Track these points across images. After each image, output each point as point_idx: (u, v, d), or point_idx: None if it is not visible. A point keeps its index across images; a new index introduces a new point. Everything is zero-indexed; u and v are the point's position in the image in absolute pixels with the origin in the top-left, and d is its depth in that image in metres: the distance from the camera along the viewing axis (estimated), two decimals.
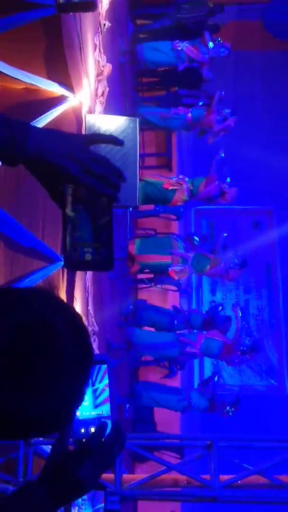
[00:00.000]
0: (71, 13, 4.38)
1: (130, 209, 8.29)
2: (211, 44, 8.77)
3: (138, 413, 8.24)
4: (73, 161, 1.19)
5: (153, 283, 9.02)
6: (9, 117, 1.18)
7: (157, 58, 8.90)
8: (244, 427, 8.52)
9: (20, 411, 0.97)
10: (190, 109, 8.68)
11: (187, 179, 8.02)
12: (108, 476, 4.71)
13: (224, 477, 4.85)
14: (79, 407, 1.13)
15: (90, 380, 1.39)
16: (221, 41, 8.90)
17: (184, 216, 8.89)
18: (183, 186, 7.95)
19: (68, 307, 1.07)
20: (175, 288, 9.19)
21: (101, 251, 1.25)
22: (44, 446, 4.89)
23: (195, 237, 8.07)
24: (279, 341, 10.41)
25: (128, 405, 7.91)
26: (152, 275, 8.85)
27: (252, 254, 10.39)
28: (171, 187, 7.97)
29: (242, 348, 7.45)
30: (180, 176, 8.11)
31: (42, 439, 4.70)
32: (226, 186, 8.02)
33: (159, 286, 9.14)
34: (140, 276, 9.05)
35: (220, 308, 8.13)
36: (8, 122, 1.17)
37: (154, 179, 8.06)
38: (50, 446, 1.24)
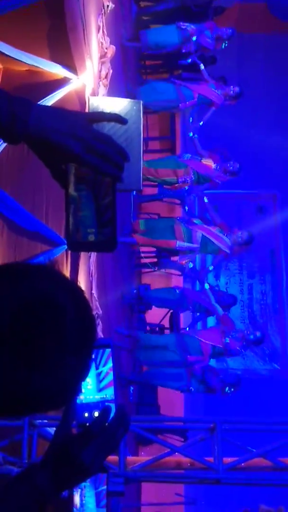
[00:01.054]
0: None
1: (134, 192, 8.30)
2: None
3: (142, 396, 8.28)
4: (76, 139, 1.17)
5: (156, 267, 9.01)
6: (10, 94, 1.16)
7: (162, 39, 8.80)
8: (248, 410, 8.57)
9: (25, 384, 0.97)
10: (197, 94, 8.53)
11: (193, 177, 8.00)
12: (112, 458, 4.74)
13: (228, 460, 4.88)
14: (84, 382, 1.13)
15: (94, 363, 1.38)
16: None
17: (188, 200, 8.85)
18: (187, 186, 8.06)
19: (71, 282, 1.06)
20: (179, 273, 9.18)
21: (104, 232, 1.23)
22: (48, 428, 4.92)
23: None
24: (283, 326, 10.41)
25: (132, 388, 7.94)
26: (155, 259, 8.84)
27: (256, 238, 10.37)
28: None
29: (244, 343, 7.35)
30: (187, 180, 8.05)
31: (46, 421, 4.73)
32: (231, 167, 8.00)
33: (162, 270, 9.13)
34: (144, 260, 9.05)
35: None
36: (9, 99, 1.15)
37: (160, 176, 8.04)
38: (54, 428, 1.24)
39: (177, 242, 7.70)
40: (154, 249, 8.54)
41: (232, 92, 8.38)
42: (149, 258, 8.95)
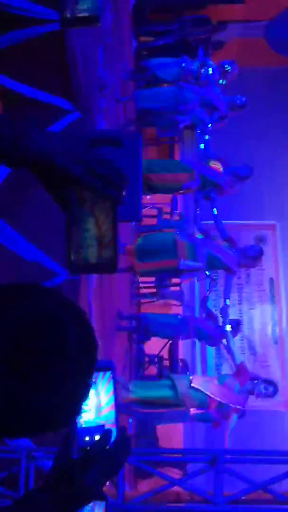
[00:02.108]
0: (76, 28, 4.41)
1: (133, 223, 8.32)
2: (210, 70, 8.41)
3: (140, 428, 8.19)
4: (77, 162, 1.19)
5: (156, 298, 9.00)
6: (12, 119, 1.19)
7: (164, 72, 8.58)
8: (248, 443, 8.46)
9: (26, 404, 0.97)
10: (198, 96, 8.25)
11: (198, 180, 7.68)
12: (110, 491, 4.68)
13: (228, 493, 4.81)
14: (85, 403, 1.13)
15: (94, 386, 1.37)
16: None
17: (187, 221, 8.77)
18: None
19: (72, 303, 1.07)
20: (178, 303, 9.17)
21: (105, 254, 1.24)
22: (46, 461, 4.85)
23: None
24: (283, 357, 10.36)
25: (130, 420, 7.85)
26: (154, 290, 8.82)
27: (255, 269, 10.38)
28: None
29: (256, 396, 6.93)
30: (193, 184, 7.63)
31: (44, 453, 4.67)
32: (241, 171, 7.79)
33: (162, 300, 9.12)
34: (143, 291, 9.03)
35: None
36: (11, 124, 1.17)
37: (160, 181, 7.53)
38: (52, 461, 1.23)
39: (180, 260, 7.08)
40: (153, 279, 8.50)
41: (238, 101, 8.26)
42: (148, 289, 8.95)
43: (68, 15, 2.63)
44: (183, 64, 8.44)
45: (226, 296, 7.51)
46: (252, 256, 7.30)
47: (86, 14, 2.59)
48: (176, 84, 8.30)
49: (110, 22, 6.95)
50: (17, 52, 4.88)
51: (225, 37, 10.37)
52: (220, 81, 8.51)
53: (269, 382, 6.94)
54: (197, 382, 6.76)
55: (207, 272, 7.55)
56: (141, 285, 8.97)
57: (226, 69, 8.41)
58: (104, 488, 1.22)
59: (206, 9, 10.38)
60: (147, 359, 8.69)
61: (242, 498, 4.86)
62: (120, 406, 6.10)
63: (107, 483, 1.22)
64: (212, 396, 6.50)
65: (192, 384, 6.67)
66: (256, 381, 6.74)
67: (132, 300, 9.14)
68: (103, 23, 6.34)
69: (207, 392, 6.52)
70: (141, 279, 8.71)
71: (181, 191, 7.82)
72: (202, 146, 8.24)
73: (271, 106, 11.23)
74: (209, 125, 8.22)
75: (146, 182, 7.30)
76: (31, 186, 1.26)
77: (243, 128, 8.92)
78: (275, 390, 6.80)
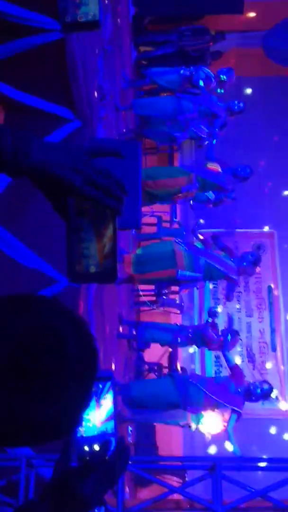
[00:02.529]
0: (76, 33, 4.43)
1: (133, 231, 8.33)
2: (223, 77, 8.44)
3: (140, 436, 8.17)
4: (77, 172, 1.20)
5: (155, 306, 9.00)
6: (13, 129, 1.20)
7: (163, 79, 8.67)
8: (247, 450, 8.44)
9: (26, 414, 0.97)
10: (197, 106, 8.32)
11: (197, 184, 7.65)
12: (110, 499, 4.66)
13: (227, 500, 4.80)
14: (85, 413, 1.13)
15: (95, 396, 1.39)
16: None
17: (186, 231, 8.78)
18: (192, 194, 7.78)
19: (73, 312, 1.07)
20: (178, 311, 9.18)
21: (105, 264, 1.25)
22: (46, 468, 4.84)
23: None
24: (282, 364, 10.35)
25: (130, 428, 7.83)
26: (154, 298, 8.83)
27: (254, 276, 10.39)
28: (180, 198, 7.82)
29: (253, 398, 6.95)
30: (192, 187, 7.60)
31: (44, 461, 4.66)
32: (241, 171, 7.78)
33: (161, 308, 9.12)
34: (143, 299, 9.03)
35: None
36: (12, 133, 1.19)
37: (158, 187, 7.51)
38: (52, 469, 1.24)
39: (179, 271, 7.07)
40: (153, 287, 8.50)
41: (236, 107, 8.32)
42: (147, 297, 8.95)
43: (69, 20, 2.65)
44: (182, 71, 8.51)
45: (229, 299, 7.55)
46: (250, 263, 7.28)
47: (87, 19, 2.61)
48: (175, 94, 8.36)
49: (110, 32, 6.99)
50: (18, 61, 4.90)
51: (223, 47, 10.42)
52: (218, 90, 8.57)
53: (263, 381, 6.97)
54: (195, 379, 6.79)
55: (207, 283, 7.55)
56: (140, 293, 8.97)
57: (222, 79, 8.47)
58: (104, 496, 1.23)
59: (204, 19, 10.43)
60: (146, 367, 8.69)
61: (242, 505, 4.84)
62: (120, 415, 6.08)
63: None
64: (208, 394, 6.51)
65: (190, 379, 6.70)
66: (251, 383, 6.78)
67: (131, 308, 9.14)
68: (103, 32, 6.39)
69: (203, 389, 6.53)
70: (140, 287, 8.70)
71: (181, 195, 7.74)
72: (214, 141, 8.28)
73: (268, 115, 11.27)
74: (216, 130, 8.27)
75: (145, 189, 7.28)
76: (32, 195, 1.27)
77: (241, 137, 8.96)
78: (270, 388, 6.76)
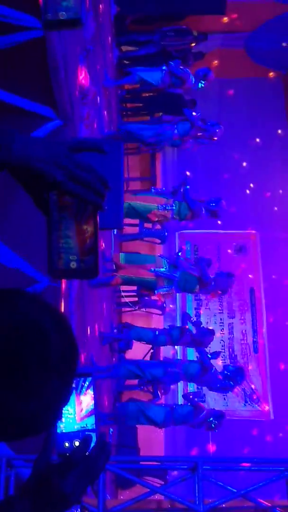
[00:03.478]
0: (58, 31, 4.40)
1: (115, 231, 8.34)
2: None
3: (121, 438, 8.16)
4: (58, 167, 1.19)
5: (137, 307, 9.01)
6: None
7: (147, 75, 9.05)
8: (229, 451, 8.47)
9: (7, 409, 0.97)
10: (175, 125, 8.78)
11: (174, 206, 7.96)
12: (91, 500, 4.64)
13: (209, 500, 4.80)
14: (65, 408, 1.12)
15: (75, 392, 1.37)
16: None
17: (168, 239, 8.91)
18: (168, 218, 8.00)
19: (52, 307, 1.06)
20: (159, 312, 9.18)
21: (86, 260, 1.23)
22: (25, 469, 4.81)
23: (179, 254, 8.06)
24: (263, 366, 10.40)
25: (111, 430, 7.83)
26: (136, 299, 8.83)
27: (235, 278, 10.43)
28: (156, 219, 8.04)
29: (225, 372, 7.37)
30: (168, 207, 7.96)
31: (24, 461, 4.63)
32: (213, 205, 8.04)
33: (143, 309, 9.13)
34: (125, 299, 9.04)
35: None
36: None
37: (141, 201, 7.93)
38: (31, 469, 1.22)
39: (154, 269, 7.58)
40: (135, 288, 8.53)
41: (212, 132, 8.71)
42: (129, 297, 8.95)
43: (51, 18, 2.62)
44: (164, 67, 8.88)
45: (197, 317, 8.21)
46: (225, 277, 7.79)
47: (68, 17, 2.58)
48: (158, 119, 8.97)
49: (92, 31, 6.97)
50: None
51: (205, 48, 10.45)
52: (200, 85, 9.00)
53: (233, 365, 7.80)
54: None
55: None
56: (122, 294, 8.98)
57: (203, 73, 8.96)
58: (84, 498, 1.22)
59: (187, 19, 10.47)
60: None
61: (223, 505, 4.85)
62: (100, 416, 6.23)
63: (88, 491, 1.22)
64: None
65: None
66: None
67: (113, 309, 9.13)
68: (85, 31, 6.37)
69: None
70: (122, 287, 8.72)
71: (158, 212, 7.97)
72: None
73: (251, 117, 11.34)
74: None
75: (125, 210, 7.68)
76: (12, 193, 1.25)
77: (223, 138, 9.00)
78: (239, 371, 7.40)
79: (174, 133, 8.73)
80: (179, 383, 9.34)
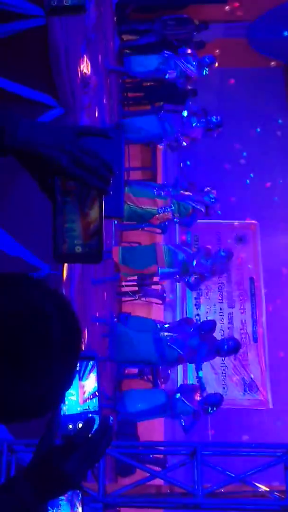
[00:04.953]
0: (62, 16, 4.41)
1: (115, 222, 8.34)
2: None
3: (121, 427, 8.19)
4: (63, 152, 1.20)
5: (137, 296, 9.02)
6: None
7: (145, 69, 9.03)
8: (228, 440, 8.50)
9: (11, 390, 0.98)
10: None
11: (172, 206, 8.04)
12: (91, 484, 4.68)
13: (207, 485, 4.86)
14: (68, 391, 1.14)
15: (78, 375, 1.39)
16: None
17: (168, 229, 8.91)
18: (170, 218, 8.08)
19: (55, 292, 1.08)
20: (160, 302, 9.20)
21: (90, 244, 1.24)
22: (26, 454, 4.84)
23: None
24: (262, 355, 10.43)
25: (111, 418, 7.85)
26: (136, 288, 8.84)
27: (236, 268, 10.44)
28: (158, 222, 8.15)
29: (225, 347, 7.38)
30: (168, 209, 8.04)
31: (24, 446, 4.66)
32: (213, 200, 8.10)
33: (143, 299, 9.14)
34: (125, 289, 9.05)
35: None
36: None
37: (140, 204, 7.98)
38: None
39: (159, 269, 7.69)
40: (135, 277, 8.54)
41: (212, 125, 8.67)
42: (130, 287, 8.96)
43: (55, 4, 2.64)
44: (166, 54, 8.90)
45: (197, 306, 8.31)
46: (224, 259, 7.89)
47: (73, 3, 2.60)
48: (158, 115, 8.80)
49: (93, 19, 6.95)
50: (0, 47, 4.85)
51: (207, 37, 10.40)
52: (204, 72, 8.98)
53: (230, 338, 8.00)
54: (173, 342, 7.29)
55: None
56: (123, 283, 8.99)
57: (206, 60, 8.93)
58: (85, 483, 1.24)
59: (188, 8, 10.41)
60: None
61: (222, 490, 4.90)
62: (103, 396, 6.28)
63: (89, 476, 1.24)
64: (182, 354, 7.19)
65: (168, 343, 7.27)
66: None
67: (113, 298, 9.15)
68: (86, 19, 6.36)
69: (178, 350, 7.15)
70: (122, 277, 8.71)
71: (159, 215, 8.10)
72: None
73: (252, 106, 11.30)
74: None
75: (127, 203, 7.74)
76: (13, 183, 1.26)
77: (224, 128, 8.97)
78: (236, 343, 7.51)
79: (176, 132, 8.69)
80: (178, 372, 9.39)
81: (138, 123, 8.81)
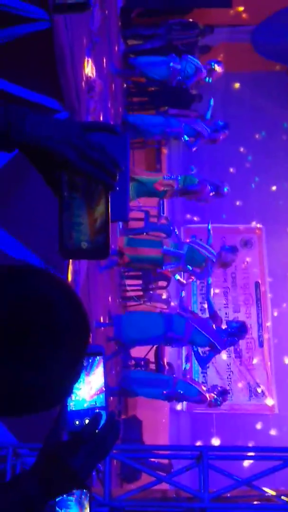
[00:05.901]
0: (66, 14, 4.42)
1: (120, 225, 8.34)
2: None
3: (126, 431, 8.18)
4: (70, 146, 1.19)
5: (142, 301, 9.01)
6: (6, 102, 1.19)
7: (152, 71, 9.06)
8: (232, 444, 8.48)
9: (19, 381, 0.97)
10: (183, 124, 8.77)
11: (179, 177, 8.09)
12: (97, 488, 4.68)
13: (213, 489, 4.84)
14: (76, 384, 1.13)
15: (85, 370, 1.38)
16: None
17: (173, 233, 8.91)
18: (174, 187, 8.04)
19: (63, 282, 1.07)
20: (165, 306, 9.19)
21: (97, 239, 1.22)
22: (31, 458, 4.84)
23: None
24: (268, 360, 10.40)
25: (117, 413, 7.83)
26: (141, 293, 8.83)
27: (241, 272, 10.43)
28: (162, 188, 8.08)
29: (230, 330, 7.26)
30: (172, 177, 8.14)
31: (28, 450, 4.66)
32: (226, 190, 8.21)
33: (148, 304, 9.13)
34: (130, 294, 9.04)
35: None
36: (5, 107, 1.18)
37: (146, 176, 8.06)
38: None
39: (164, 247, 7.72)
40: (140, 282, 8.52)
41: (221, 123, 8.75)
42: (134, 292, 8.96)
43: (59, 2, 2.66)
44: (171, 64, 8.81)
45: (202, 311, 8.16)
46: (228, 251, 7.85)
47: (77, 1, 2.62)
48: (164, 113, 9.02)
49: (98, 23, 6.97)
50: (5, 51, 4.87)
51: (211, 42, 10.43)
52: (207, 79, 8.95)
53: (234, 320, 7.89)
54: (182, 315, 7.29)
55: (189, 267, 7.87)
56: (127, 288, 8.98)
57: (212, 66, 8.89)
58: (92, 488, 1.23)
59: (193, 13, 10.45)
60: (133, 362, 8.68)
61: (228, 494, 4.88)
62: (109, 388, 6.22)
63: (94, 480, 1.23)
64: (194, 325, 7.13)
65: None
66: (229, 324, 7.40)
67: (118, 303, 9.14)
68: (91, 23, 6.38)
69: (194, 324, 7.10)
70: (127, 282, 8.72)
71: (164, 181, 8.13)
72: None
73: (257, 110, 11.31)
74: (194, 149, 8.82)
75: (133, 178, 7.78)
76: (18, 186, 1.26)
77: (230, 133, 8.99)
78: (242, 324, 7.38)
79: (181, 130, 8.72)
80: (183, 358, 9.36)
81: (144, 119, 8.93)
